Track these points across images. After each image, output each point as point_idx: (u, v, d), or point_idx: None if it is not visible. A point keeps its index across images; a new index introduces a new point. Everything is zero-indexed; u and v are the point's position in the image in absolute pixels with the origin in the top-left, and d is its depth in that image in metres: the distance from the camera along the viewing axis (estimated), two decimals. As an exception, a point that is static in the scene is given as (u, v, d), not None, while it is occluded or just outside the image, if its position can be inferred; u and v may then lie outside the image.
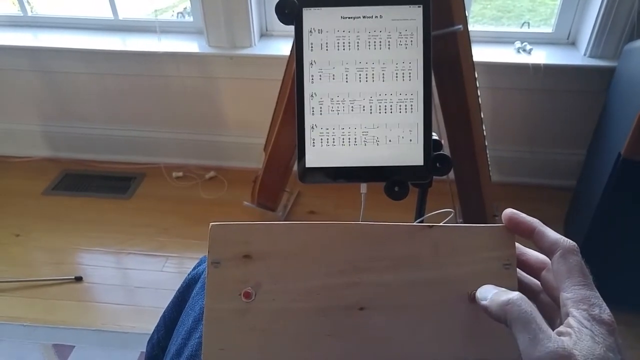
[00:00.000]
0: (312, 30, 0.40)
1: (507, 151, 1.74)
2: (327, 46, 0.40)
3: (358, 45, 0.40)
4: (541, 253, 0.34)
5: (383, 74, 0.40)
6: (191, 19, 1.74)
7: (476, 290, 0.33)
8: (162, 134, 1.88)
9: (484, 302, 0.31)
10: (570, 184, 1.60)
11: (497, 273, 0.34)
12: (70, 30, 1.78)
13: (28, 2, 1.79)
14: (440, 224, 0.35)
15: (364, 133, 0.40)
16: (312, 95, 0.40)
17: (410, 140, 0.40)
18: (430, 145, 0.40)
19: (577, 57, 1.55)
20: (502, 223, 0.34)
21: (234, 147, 1.87)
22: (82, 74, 1.76)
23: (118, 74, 1.75)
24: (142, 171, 1.90)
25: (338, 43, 0.40)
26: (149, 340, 0.60)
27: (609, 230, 1.27)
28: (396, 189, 0.40)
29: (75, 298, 1.40)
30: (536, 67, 1.51)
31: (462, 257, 0.34)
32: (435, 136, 0.41)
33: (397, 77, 0.40)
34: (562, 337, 0.27)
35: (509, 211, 0.34)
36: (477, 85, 1.21)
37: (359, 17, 0.39)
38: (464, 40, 1.15)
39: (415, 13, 0.39)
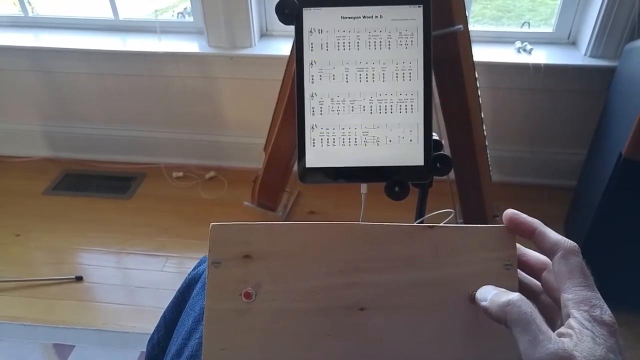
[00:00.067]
0: (312, 30, 0.40)
1: (507, 151, 1.74)
2: (327, 46, 0.40)
3: (358, 45, 0.40)
4: (542, 254, 0.34)
5: (383, 74, 0.40)
6: (191, 19, 1.74)
7: (476, 291, 0.33)
8: (162, 134, 1.88)
9: (483, 303, 0.31)
10: (571, 184, 1.60)
11: (497, 273, 0.34)
12: (70, 30, 1.78)
13: (29, 2, 1.79)
14: (441, 224, 0.35)
15: (364, 133, 0.40)
16: (312, 96, 0.40)
17: (411, 140, 0.40)
18: (430, 146, 0.40)
19: (577, 57, 1.55)
20: (503, 223, 0.34)
21: (234, 147, 1.87)
22: (82, 74, 1.77)
23: (118, 74, 1.75)
24: (142, 171, 1.90)
25: (338, 43, 0.40)
26: (149, 340, 0.60)
27: (610, 230, 1.26)
28: (396, 189, 0.40)
29: (75, 298, 1.40)
30: (536, 67, 1.51)
31: (463, 257, 0.34)
32: (435, 136, 0.41)
33: (397, 77, 0.40)
34: (562, 339, 0.27)
35: (509, 211, 0.34)
36: (478, 85, 1.21)
37: (359, 17, 0.39)
38: (464, 40, 1.15)
39: (416, 13, 0.39)
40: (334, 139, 0.40)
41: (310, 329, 0.34)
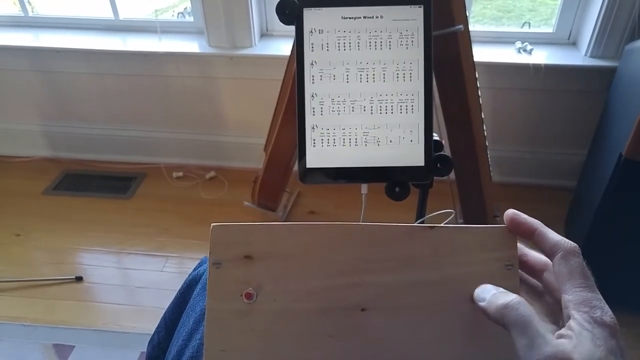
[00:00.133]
0: (313, 31, 0.39)
1: (507, 151, 1.74)
2: (327, 46, 0.40)
3: (359, 46, 0.40)
4: (542, 254, 0.33)
5: (384, 75, 0.40)
6: (191, 19, 1.74)
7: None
8: (163, 134, 1.88)
9: (481, 304, 0.31)
10: (571, 184, 1.60)
11: (498, 274, 0.34)
12: (71, 30, 1.78)
13: (29, 2, 1.79)
14: (441, 224, 0.35)
15: (365, 133, 0.40)
16: (312, 96, 0.40)
17: (411, 140, 0.40)
18: (431, 146, 0.40)
19: (577, 57, 1.55)
20: (503, 224, 0.34)
21: (234, 147, 1.87)
22: (82, 74, 1.77)
23: (118, 74, 1.75)
24: (142, 171, 1.90)
25: (339, 43, 0.40)
26: (149, 341, 0.60)
27: (610, 231, 1.26)
28: (397, 189, 0.40)
29: (75, 298, 1.39)
30: (537, 67, 1.51)
31: (463, 257, 0.34)
32: (436, 137, 0.41)
33: (397, 77, 0.40)
34: (562, 340, 0.27)
35: (510, 212, 0.34)
36: (478, 85, 1.21)
37: (360, 17, 0.39)
38: (464, 40, 1.15)
39: (416, 13, 0.39)
40: (334, 139, 0.40)
41: (311, 329, 0.34)
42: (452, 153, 1.28)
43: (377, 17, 0.39)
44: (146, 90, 1.78)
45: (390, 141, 0.40)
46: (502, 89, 1.62)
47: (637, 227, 1.22)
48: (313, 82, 0.40)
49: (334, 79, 0.40)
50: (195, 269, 0.58)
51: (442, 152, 0.41)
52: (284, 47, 1.63)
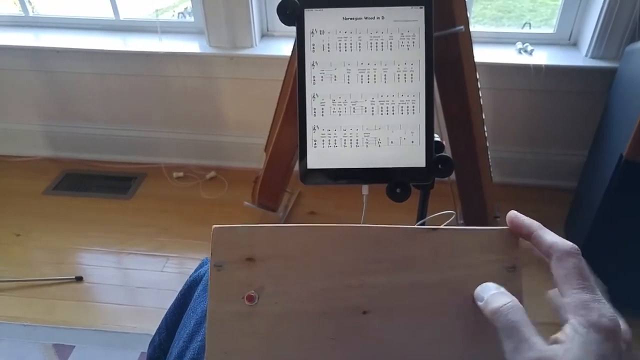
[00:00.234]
0: (314, 31, 0.39)
1: (508, 152, 1.74)
2: (328, 47, 0.40)
3: (360, 47, 0.40)
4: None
5: (385, 75, 0.40)
6: (192, 19, 1.74)
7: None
8: (163, 134, 1.88)
9: (479, 303, 0.32)
10: (571, 185, 1.60)
11: (499, 276, 0.34)
12: (71, 30, 1.78)
13: (29, 2, 1.79)
14: (442, 226, 0.35)
15: (366, 134, 0.40)
16: (313, 97, 0.40)
17: (412, 141, 0.40)
18: (432, 147, 0.40)
19: (578, 58, 1.55)
20: (504, 224, 0.34)
21: (235, 148, 1.87)
22: (83, 74, 1.76)
23: (119, 74, 1.75)
24: (142, 171, 1.90)
25: (340, 44, 0.39)
26: (150, 342, 0.60)
27: (611, 232, 1.26)
28: (398, 190, 0.40)
29: (75, 298, 1.39)
30: (537, 68, 1.51)
31: (464, 259, 0.34)
32: (437, 137, 0.41)
33: (399, 78, 0.40)
34: (553, 346, 0.27)
35: (511, 214, 0.33)
36: (479, 86, 1.21)
37: (361, 18, 0.39)
38: (465, 41, 1.15)
39: (417, 14, 0.39)
40: (335, 140, 0.40)
41: (313, 331, 0.34)
42: (452, 153, 1.27)
43: (378, 18, 0.39)
44: (147, 90, 1.78)
45: (391, 142, 0.40)
46: (503, 90, 1.62)
47: (638, 228, 1.22)
48: (314, 83, 0.40)
49: (335, 79, 0.40)
50: (196, 270, 0.58)
51: (443, 153, 0.41)
52: (284, 48, 1.63)
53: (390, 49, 0.40)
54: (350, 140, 0.40)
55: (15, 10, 1.80)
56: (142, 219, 1.67)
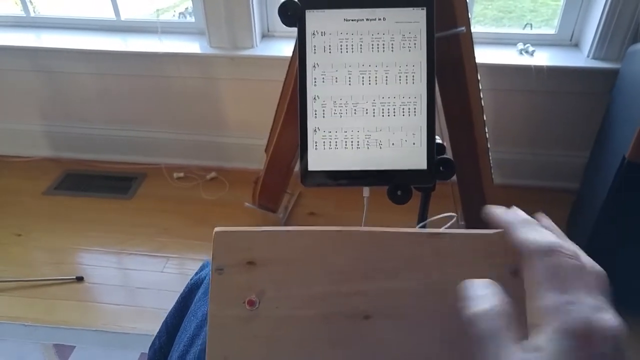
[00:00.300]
0: (315, 33, 0.39)
1: (509, 153, 1.74)
2: (330, 49, 0.39)
3: (361, 48, 0.39)
4: None
5: (386, 77, 0.39)
6: (193, 19, 1.74)
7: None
8: (163, 135, 1.88)
9: (460, 304, 0.29)
10: (573, 186, 1.60)
11: (499, 279, 0.33)
12: (72, 30, 1.78)
13: (31, 2, 1.79)
14: (443, 229, 0.35)
15: (367, 136, 0.40)
16: (314, 98, 0.40)
17: (414, 143, 0.40)
18: (433, 149, 0.40)
19: (580, 58, 1.55)
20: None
21: (235, 148, 1.87)
22: (83, 74, 1.76)
23: (119, 74, 1.75)
24: (143, 171, 1.90)
25: (341, 45, 0.39)
26: (150, 345, 0.60)
27: (613, 233, 1.26)
28: (399, 192, 0.40)
29: (75, 298, 1.39)
30: (539, 69, 1.50)
31: (465, 263, 0.34)
32: (438, 139, 0.41)
33: (400, 80, 0.39)
34: (526, 355, 0.24)
35: (485, 210, 0.31)
36: (480, 87, 1.21)
37: (362, 19, 0.39)
38: (466, 42, 1.14)
39: (419, 15, 0.39)
40: (336, 141, 0.40)
41: (314, 336, 0.34)
42: (453, 155, 1.27)
43: (379, 19, 0.39)
44: (147, 91, 1.78)
45: (393, 144, 0.40)
46: (504, 91, 1.62)
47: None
48: (315, 85, 0.39)
49: (336, 81, 0.40)
50: (196, 273, 0.58)
51: (444, 155, 0.40)
52: (285, 48, 1.63)
53: (392, 51, 0.39)
54: (351, 142, 0.40)
55: (16, 10, 1.81)
56: (143, 219, 1.67)
